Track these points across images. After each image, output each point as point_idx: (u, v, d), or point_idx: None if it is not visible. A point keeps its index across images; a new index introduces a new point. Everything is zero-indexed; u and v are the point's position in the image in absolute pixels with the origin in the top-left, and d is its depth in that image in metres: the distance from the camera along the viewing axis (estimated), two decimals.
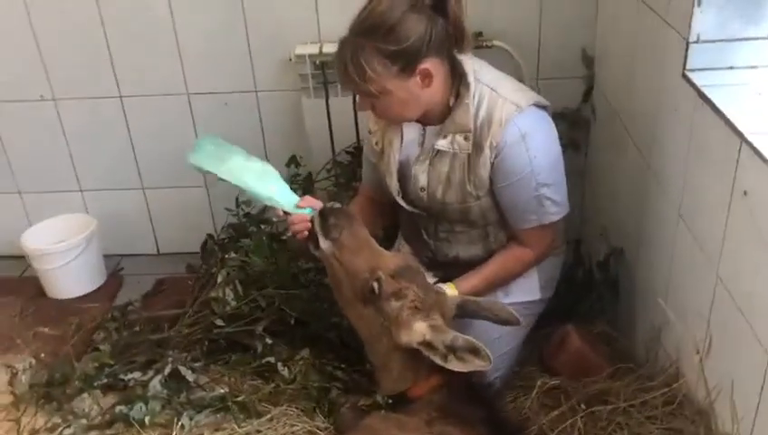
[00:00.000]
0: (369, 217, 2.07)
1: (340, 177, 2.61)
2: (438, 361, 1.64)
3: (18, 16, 2.57)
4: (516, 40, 2.47)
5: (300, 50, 2.49)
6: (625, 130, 2.17)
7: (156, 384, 2.06)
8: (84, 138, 2.79)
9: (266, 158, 2.64)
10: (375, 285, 1.70)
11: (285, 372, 2.05)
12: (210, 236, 2.61)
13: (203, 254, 2.63)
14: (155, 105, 2.71)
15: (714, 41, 1.61)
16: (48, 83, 2.69)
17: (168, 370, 2.09)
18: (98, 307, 2.68)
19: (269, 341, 2.14)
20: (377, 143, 2.02)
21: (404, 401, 1.76)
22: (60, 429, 2.03)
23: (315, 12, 2.51)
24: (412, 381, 1.75)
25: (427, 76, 1.74)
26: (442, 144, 1.85)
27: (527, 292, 2.04)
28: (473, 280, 1.93)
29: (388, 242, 2.21)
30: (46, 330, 2.52)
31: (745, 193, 1.37)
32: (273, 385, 2.06)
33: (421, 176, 1.92)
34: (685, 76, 1.65)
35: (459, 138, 1.83)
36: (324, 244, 1.78)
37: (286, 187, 1.92)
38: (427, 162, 1.90)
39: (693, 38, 1.62)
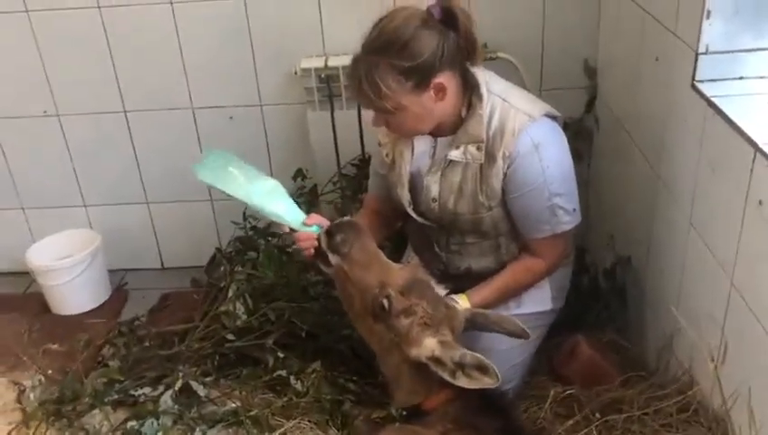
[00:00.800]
0: (375, 228, 2.06)
1: (346, 189, 2.62)
2: (447, 377, 1.64)
3: (22, 31, 2.57)
4: (520, 51, 2.49)
5: (305, 63, 2.50)
6: (630, 139, 2.19)
7: (167, 399, 2.05)
8: (88, 153, 2.79)
9: (271, 171, 2.67)
10: (385, 302, 1.69)
11: (298, 386, 2.05)
12: (218, 249, 2.61)
13: (209, 268, 2.64)
14: (159, 120, 2.71)
15: (723, 52, 1.63)
16: (52, 98, 2.69)
17: (178, 385, 2.09)
18: (103, 323, 2.67)
19: (280, 354, 2.14)
20: (387, 155, 2.02)
21: (418, 414, 1.76)
22: None
23: (320, 26, 2.52)
24: (424, 394, 1.75)
25: (440, 90, 1.75)
26: (455, 154, 1.86)
27: (539, 302, 2.04)
28: (485, 291, 1.93)
29: (396, 254, 2.22)
30: (55, 347, 2.51)
31: (761, 202, 1.39)
32: (285, 399, 2.05)
33: (433, 186, 1.93)
34: (694, 87, 1.67)
35: (472, 148, 1.84)
36: (334, 259, 1.79)
37: (293, 203, 1.92)
38: (439, 173, 1.91)
39: (702, 49, 1.64)
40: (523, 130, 1.78)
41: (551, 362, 2.19)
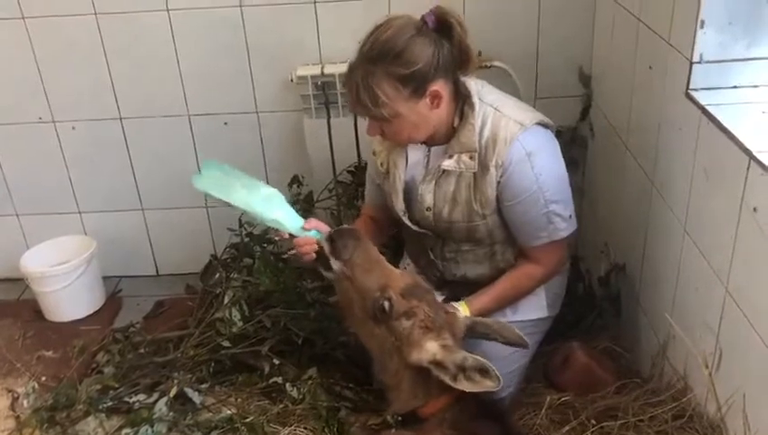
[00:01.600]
0: (372, 236, 2.08)
1: (342, 196, 2.63)
2: (448, 380, 1.64)
3: (18, 37, 2.57)
4: (515, 60, 2.51)
5: (302, 71, 2.51)
6: (625, 147, 2.20)
7: (162, 406, 2.05)
8: (83, 159, 2.79)
9: (267, 178, 2.68)
10: (386, 304, 1.71)
11: (294, 392, 2.04)
12: (214, 256, 2.60)
13: (204, 275, 2.63)
14: (155, 127, 2.71)
15: (717, 61, 1.65)
16: (47, 105, 2.69)
17: (173, 392, 2.08)
18: (97, 330, 2.67)
19: (276, 361, 2.14)
20: (381, 164, 2.03)
21: (415, 420, 1.77)
22: None
23: (316, 33, 2.53)
24: (423, 400, 1.75)
25: (436, 97, 1.76)
26: (448, 164, 1.87)
27: (535, 309, 2.05)
28: (483, 298, 1.94)
29: (394, 260, 2.22)
30: (49, 353, 2.50)
31: (755, 209, 1.40)
32: (281, 406, 2.05)
33: (427, 196, 1.94)
34: (688, 95, 1.69)
35: (465, 157, 1.85)
36: (336, 265, 1.80)
37: (291, 210, 1.93)
38: (433, 182, 1.92)
39: (696, 58, 1.66)
40: (515, 139, 1.79)
41: (546, 370, 2.19)
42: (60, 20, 2.55)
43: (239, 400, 2.10)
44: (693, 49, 1.65)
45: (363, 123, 1.86)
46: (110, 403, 2.13)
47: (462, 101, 1.85)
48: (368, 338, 1.80)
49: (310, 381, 2.06)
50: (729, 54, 1.65)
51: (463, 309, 1.87)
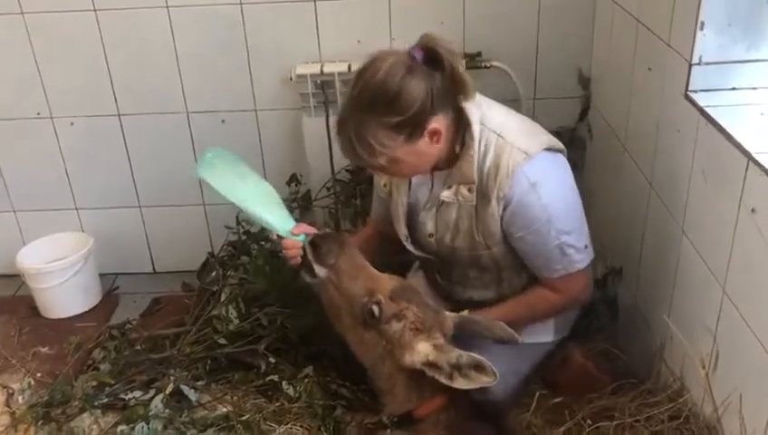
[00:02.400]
0: (376, 248, 2.06)
1: (340, 195, 2.62)
2: (443, 380, 1.64)
3: (17, 33, 2.56)
4: (514, 60, 2.51)
5: (301, 69, 2.51)
6: (623, 148, 2.21)
7: (158, 404, 2.04)
8: (81, 156, 2.78)
9: (265, 176, 2.64)
10: (375, 308, 1.69)
11: (290, 391, 2.04)
12: (211, 254, 2.60)
13: (201, 272, 2.63)
14: (153, 123, 2.70)
15: (716, 63, 1.66)
16: (45, 101, 2.68)
17: (169, 389, 2.08)
18: (94, 326, 2.65)
19: (272, 359, 2.14)
20: (385, 185, 2.00)
21: (410, 421, 1.76)
22: None
23: (316, 32, 2.53)
24: (417, 402, 1.75)
25: (435, 134, 1.68)
26: (446, 195, 1.82)
27: (540, 333, 1.99)
28: (495, 313, 1.86)
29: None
30: (45, 350, 2.49)
31: (753, 210, 1.40)
32: (277, 404, 2.04)
33: (429, 222, 1.90)
34: (687, 97, 1.69)
35: (463, 189, 1.79)
36: (321, 271, 1.78)
37: (285, 211, 1.93)
38: (434, 210, 1.88)
39: (695, 60, 1.66)
40: (518, 170, 1.71)
41: (542, 371, 2.19)
42: (58, 16, 2.54)
43: (235, 397, 2.10)
44: (692, 50, 1.65)
45: None
46: (105, 400, 2.13)
47: (464, 128, 1.76)
48: (358, 345, 1.78)
49: (306, 380, 2.06)
50: (728, 56, 1.65)
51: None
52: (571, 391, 2.04)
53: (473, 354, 1.61)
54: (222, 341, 2.20)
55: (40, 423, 2.09)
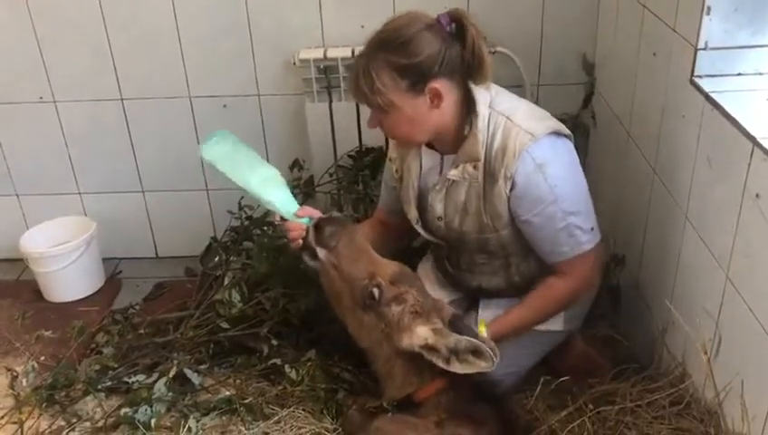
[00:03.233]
0: (380, 238, 2.07)
1: (343, 180, 2.62)
2: (441, 364, 1.66)
3: (20, 16, 2.55)
4: (519, 46, 2.50)
5: (304, 54, 2.50)
6: (627, 134, 2.20)
7: (161, 387, 2.05)
8: (84, 140, 2.78)
9: (268, 161, 2.65)
10: (375, 290, 1.71)
11: (292, 374, 2.04)
12: (214, 238, 2.60)
13: (204, 257, 2.63)
14: (156, 108, 2.70)
15: (722, 48, 1.65)
16: (48, 85, 2.67)
17: (172, 372, 2.09)
18: (97, 311, 2.67)
19: (275, 342, 2.15)
20: (396, 171, 2.01)
21: (410, 405, 1.77)
22: (65, 432, 2.02)
23: (319, 16, 2.52)
24: (417, 385, 1.77)
25: (436, 96, 1.71)
26: (453, 174, 1.83)
27: (549, 322, 1.96)
28: (504, 322, 1.88)
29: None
30: (48, 333, 2.50)
31: (758, 196, 1.40)
32: (280, 387, 2.05)
33: (438, 205, 1.91)
34: (693, 82, 1.68)
35: (469, 167, 1.80)
36: (322, 253, 1.80)
37: (289, 194, 1.93)
38: (444, 191, 1.88)
39: (701, 45, 1.65)
40: (524, 150, 1.72)
41: (545, 357, 2.19)
42: None
43: (238, 381, 2.12)
44: (698, 36, 1.65)
45: (365, 109, 1.85)
46: (109, 383, 2.15)
47: (472, 109, 1.78)
48: (357, 328, 1.80)
49: (309, 363, 2.07)
50: (734, 41, 1.64)
51: (480, 330, 1.77)
52: (573, 376, 2.04)
53: (471, 339, 1.63)
54: (225, 325, 2.20)
55: (44, 406, 2.11)
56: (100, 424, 2.03)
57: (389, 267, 1.77)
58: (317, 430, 1.92)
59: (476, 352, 1.61)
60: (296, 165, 2.65)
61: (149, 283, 2.82)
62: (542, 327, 1.96)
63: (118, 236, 2.92)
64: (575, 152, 1.85)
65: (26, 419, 2.07)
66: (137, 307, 2.57)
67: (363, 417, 1.88)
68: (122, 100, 2.70)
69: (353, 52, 2.46)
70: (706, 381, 1.65)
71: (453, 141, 1.82)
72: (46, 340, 2.49)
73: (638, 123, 2.13)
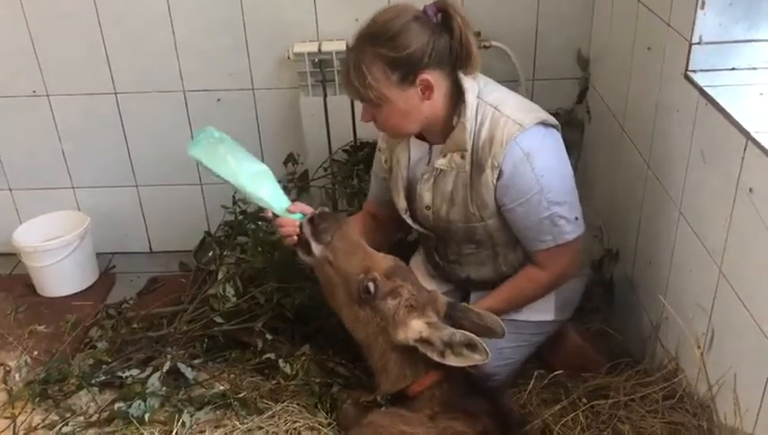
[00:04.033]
0: (371, 231, 2.08)
1: (337, 175, 2.62)
2: (436, 357, 1.66)
3: (12, 9, 2.54)
4: (513, 40, 2.50)
5: (298, 48, 2.50)
6: (622, 129, 2.20)
7: (155, 381, 2.05)
8: (77, 134, 2.76)
9: (262, 155, 2.66)
10: (371, 284, 1.72)
11: (287, 369, 2.05)
12: (208, 233, 2.60)
13: (198, 252, 2.63)
14: (150, 102, 2.69)
15: (716, 42, 1.65)
16: (41, 78, 2.66)
17: (166, 367, 2.08)
18: (90, 305, 2.66)
19: (269, 337, 2.14)
20: (386, 161, 2.02)
21: (404, 399, 1.77)
22: (58, 426, 2.01)
23: (314, 10, 2.51)
24: (411, 379, 1.77)
25: (427, 87, 1.73)
26: (441, 163, 1.85)
27: (541, 311, 1.99)
28: (486, 302, 1.90)
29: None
30: (41, 328, 2.49)
31: (751, 190, 1.40)
32: (274, 382, 2.06)
33: (426, 194, 1.92)
34: (687, 77, 1.69)
35: (456, 156, 1.82)
36: (317, 248, 1.80)
37: (279, 190, 1.93)
38: (432, 181, 1.90)
39: (695, 39, 1.65)
40: (512, 140, 1.74)
41: (539, 350, 2.20)
42: None
43: (232, 375, 2.11)
44: (692, 30, 1.65)
45: (360, 103, 1.85)
46: (102, 378, 2.15)
47: (460, 99, 1.80)
48: (352, 322, 1.81)
49: (303, 358, 2.07)
50: (729, 36, 1.64)
51: None
52: (567, 370, 2.05)
53: (466, 332, 1.63)
54: (219, 319, 2.20)
55: (37, 401, 2.10)
56: (93, 419, 2.02)
57: (384, 261, 1.78)
58: (311, 424, 1.92)
59: (471, 346, 1.62)
60: (291, 159, 2.64)
61: (143, 277, 2.82)
62: (534, 317, 1.98)
63: (111, 230, 2.91)
64: (562, 143, 1.87)
65: (19, 413, 2.07)
66: (130, 302, 2.57)
67: (358, 411, 1.88)
68: (116, 94, 2.68)
69: (347, 45, 2.45)
70: (699, 375, 1.66)
71: (442, 131, 1.84)
72: (39, 334, 2.49)
73: (632, 118, 2.13)
